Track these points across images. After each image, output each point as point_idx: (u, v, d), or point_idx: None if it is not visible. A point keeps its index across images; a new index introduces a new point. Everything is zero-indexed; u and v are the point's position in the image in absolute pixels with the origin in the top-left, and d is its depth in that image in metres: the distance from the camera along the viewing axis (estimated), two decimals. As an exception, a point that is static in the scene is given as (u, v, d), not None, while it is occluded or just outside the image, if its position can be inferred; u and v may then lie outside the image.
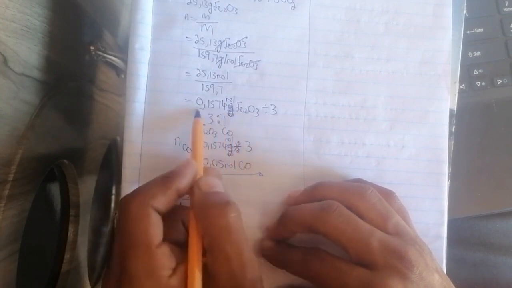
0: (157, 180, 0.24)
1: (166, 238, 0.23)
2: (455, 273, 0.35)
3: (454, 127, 0.32)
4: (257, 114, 0.30)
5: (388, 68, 0.31)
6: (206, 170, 0.26)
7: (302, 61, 0.30)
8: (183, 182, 0.24)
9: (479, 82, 0.43)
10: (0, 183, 0.23)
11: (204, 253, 0.23)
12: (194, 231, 0.24)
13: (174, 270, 0.23)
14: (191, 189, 0.25)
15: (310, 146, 0.30)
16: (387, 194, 0.28)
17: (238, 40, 0.30)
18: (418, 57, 0.31)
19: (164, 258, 0.22)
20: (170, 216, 0.24)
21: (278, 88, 0.30)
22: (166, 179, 0.24)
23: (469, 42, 0.43)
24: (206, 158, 0.29)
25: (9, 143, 0.24)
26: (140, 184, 0.28)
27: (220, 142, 0.29)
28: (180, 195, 0.24)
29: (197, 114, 0.29)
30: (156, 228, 0.23)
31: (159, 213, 0.23)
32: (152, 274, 0.22)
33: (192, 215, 0.24)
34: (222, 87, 0.29)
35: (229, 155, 0.29)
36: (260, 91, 0.30)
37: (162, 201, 0.23)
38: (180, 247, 0.24)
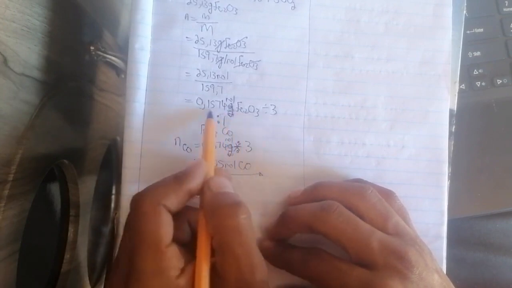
0: (169, 179, 0.24)
1: (173, 238, 0.23)
2: (455, 273, 0.35)
3: (454, 127, 0.32)
4: (257, 114, 0.30)
5: (388, 68, 0.31)
6: (216, 171, 0.27)
7: (302, 61, 0.30)
8: (195, 183, 0.24)
9: (479, 82, 0.43)
10: (0, 183, 0.23)
11: (213, 253, 0.23)
12: (203, 231, 0.24)
13: (182, 270, 0.23)
14: (202, 189, 0.25)
15: (310, 146, 0.30)
16: (387, 194, 0.28)
17: (238, 40, 0.30)
18: (418, 57, 0.31)
19: (173, 258, 0.22)
20: (177, 216, 0.24)
21: (278, 88, 0.30)
22: (177, 179, 0.24)
23: (469, 42, 0.43)
24: (206, 158, 0.29)
25: (9, 143, 0.24)
26: (140, 184, 0.28)
27: (220, 142, 0.29)
28: (191, 196, 0.24)
29: (210, 115, 0.29)
30: (166, 227, 0.23)
31: (170, 212, 0.23)
32: (160, 273, 0.22)
33: (202, 215, 0.24)
34: (222, 87, 0.29)
35: (229, 155, 0.29)
36: (260, 91, 0.30)
37: (174, 201, 0.23)
38: (186, 247, 0.24)
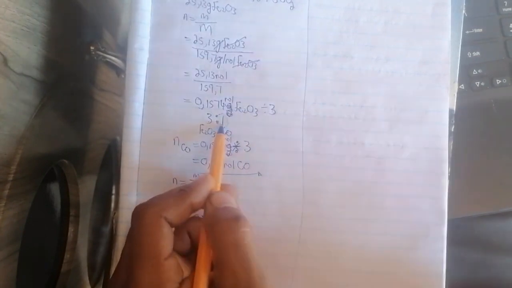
0: (173, 192, 0.24)
1: (173, 249, 0.23)
2: (455, 273, 0.35)
3: (453, 127, 0.32)
4: (256, 114, 0.30)
5: (387, 68, 0.31)
6: (222, 186, 0.27)
7: (301, 61, 0.30)
8: (198, 197, 0.24)
9: (478, 82, 0.43)
10: (0, 183, 0.23)
11: (212, 267, 0.23)
12: (203, 246, 0.24)
13: (181, 284, 0.23)
14: (205, 204, 0.25)
15: (309, 146, 0.30)
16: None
17: (237, 40, 0.30)
18: (417, 57, 0.31)
19: (172, 271, 0.22)
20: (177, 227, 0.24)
21: (277, 88, 0.30)
22: (181, 193, 0.24)
23: (468, 42, 0.43)
24: (205, 158, 0.29)
25: (9, 143, 0.24)
26: (139, 184, 0.28)
27: (219, 142, 0.29)
28: (194, 210, 0.24)
29: (220, 130, 0.29)
30: (166, 240, 0.23)
31: (171, 225, 0.23)
32: (158, 286, 0.22)
33: (203, 229, 0.24)
34: (221, 87, 0.30)
35: (228, 155, 0.29)
36: (259, 91, 0.30)
37: (175, 214, 0.23)
38: (187, 258, 0.24)
